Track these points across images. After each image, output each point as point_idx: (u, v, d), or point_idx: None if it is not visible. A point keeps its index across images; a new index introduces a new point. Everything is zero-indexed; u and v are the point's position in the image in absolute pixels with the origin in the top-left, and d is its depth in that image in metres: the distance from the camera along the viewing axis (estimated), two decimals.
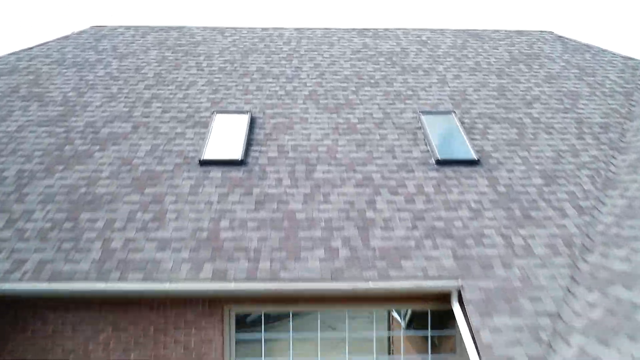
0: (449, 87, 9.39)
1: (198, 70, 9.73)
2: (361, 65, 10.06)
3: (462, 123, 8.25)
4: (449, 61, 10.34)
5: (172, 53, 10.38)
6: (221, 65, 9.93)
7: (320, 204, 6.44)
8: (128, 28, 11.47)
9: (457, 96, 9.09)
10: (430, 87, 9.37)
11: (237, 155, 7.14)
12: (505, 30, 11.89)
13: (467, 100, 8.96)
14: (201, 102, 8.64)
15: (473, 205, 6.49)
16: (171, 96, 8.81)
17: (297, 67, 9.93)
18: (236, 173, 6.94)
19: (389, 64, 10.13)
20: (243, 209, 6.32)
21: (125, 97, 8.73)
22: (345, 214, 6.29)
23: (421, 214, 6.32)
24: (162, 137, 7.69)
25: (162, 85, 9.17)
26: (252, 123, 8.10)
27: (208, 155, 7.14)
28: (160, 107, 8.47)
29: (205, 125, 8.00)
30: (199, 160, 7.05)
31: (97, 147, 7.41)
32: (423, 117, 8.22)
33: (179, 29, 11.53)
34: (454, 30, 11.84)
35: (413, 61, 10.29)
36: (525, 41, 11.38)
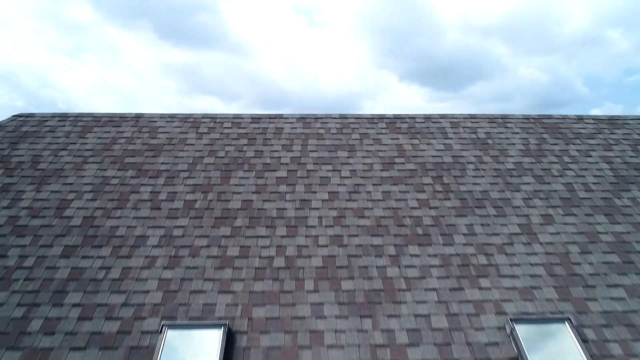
0: (540, 243, 6.02)
1: (152, 208, 6.36)
2: (400, 196, 6.68)
3: (584, 341, 4.89)
4: (528, 183, 6.97)
5: (119, 170, 7.01)
6: (188, 196, 6.56)
7: None
8: (64, 118, 8.09)
9: (558, 266, 5.72)
10: (511, 243, 6.01)
11: None
12: (592, 118, 8.52)
13: (576, 277, 5.59)
14: (147, 291, 5.28)
15: None
16: (100, 276, 5.45)
17: (303, 200, 6.55)
18: None
19: (440, 192, 6.77)
20: None
21: (26, 280, 5.36)
22: None
23: None
24: None
25: (90, 245, 5.80)
26: (228, 347, 4.73)
27: None
28: (78, 306, 5.10)
29: (148, 355, 4.64)
30: None
31: None
32: (518, 332, 4.86)
33: (136, 118, 8.15)
34: (521, 117, 8.47)
35: (474, 183, 6.92)
36: (623, 139, 8.00)
